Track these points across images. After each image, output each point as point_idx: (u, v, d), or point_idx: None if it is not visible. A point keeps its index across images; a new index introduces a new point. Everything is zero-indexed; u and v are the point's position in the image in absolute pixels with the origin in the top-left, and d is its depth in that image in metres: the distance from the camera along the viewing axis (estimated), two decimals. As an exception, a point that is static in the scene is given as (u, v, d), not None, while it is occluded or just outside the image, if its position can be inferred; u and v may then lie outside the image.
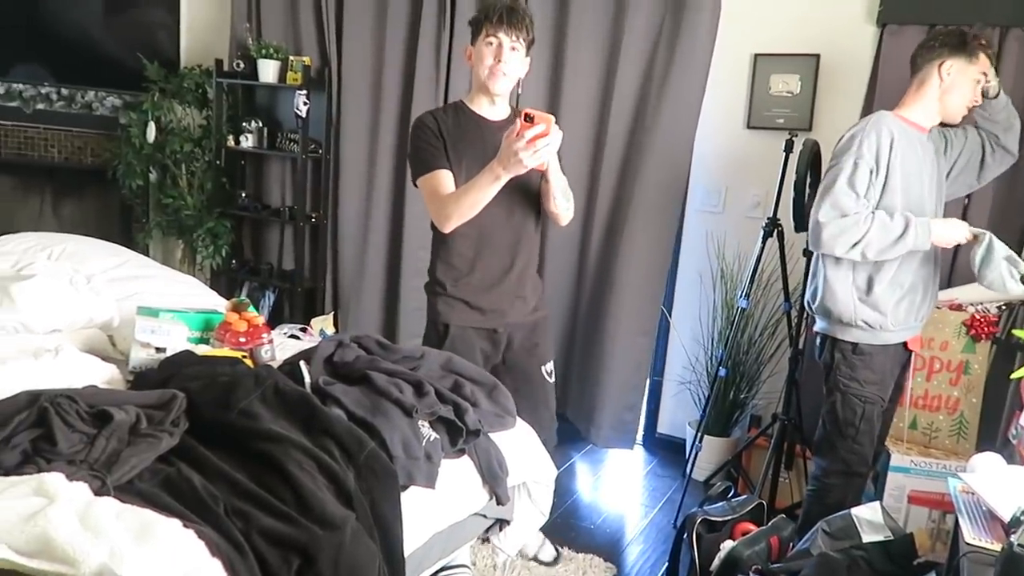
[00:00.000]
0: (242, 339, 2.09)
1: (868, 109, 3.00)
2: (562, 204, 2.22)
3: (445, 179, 2.15)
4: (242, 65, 4.15)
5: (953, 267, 2.93)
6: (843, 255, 2.19)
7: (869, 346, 2.28)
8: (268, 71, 4.07)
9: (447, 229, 2.15)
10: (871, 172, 2.18)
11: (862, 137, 2.20)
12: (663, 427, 3.71)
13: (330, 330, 4.10)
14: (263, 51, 4.06)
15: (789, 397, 2.93)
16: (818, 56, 3.22)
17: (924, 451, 2.74)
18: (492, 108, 2.22)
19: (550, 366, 2.42)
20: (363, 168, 4.03)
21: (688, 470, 3.20)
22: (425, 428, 1.68)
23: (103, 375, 1.84)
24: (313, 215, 4.21)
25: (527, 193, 2.22)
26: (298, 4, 4.09)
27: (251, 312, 2.22)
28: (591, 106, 3.48)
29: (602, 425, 3.56)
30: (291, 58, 4.04)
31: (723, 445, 3.35)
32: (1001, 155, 2.43)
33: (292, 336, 2.27)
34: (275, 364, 1.97)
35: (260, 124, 4.23)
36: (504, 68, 2.11)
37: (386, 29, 3.87)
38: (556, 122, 1.92)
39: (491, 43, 2.10)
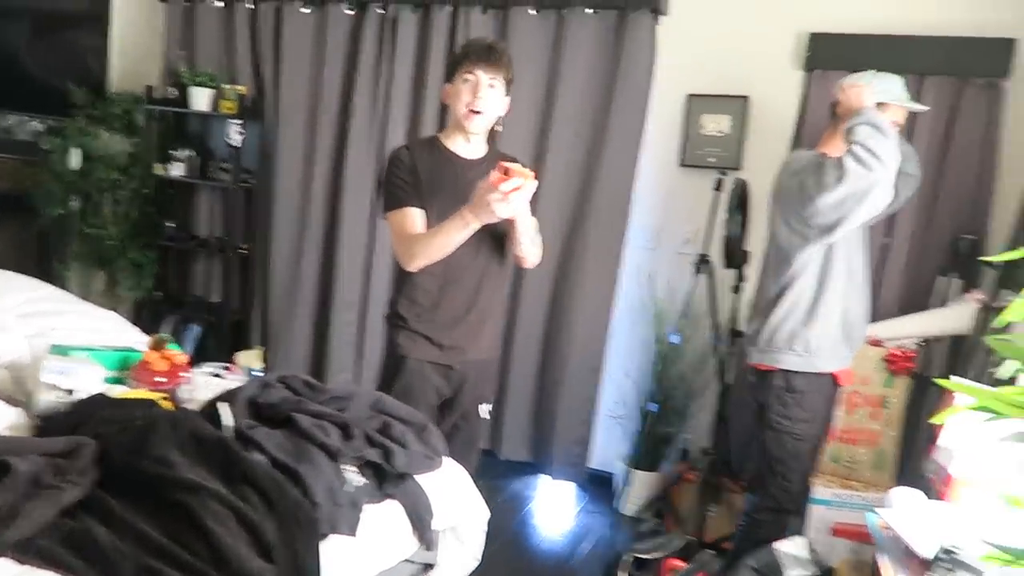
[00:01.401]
0: (161, 379, 2.01)
1: (795, 148, 3.11)
2: (529, 249, 2.23)
3: (415, 217, 2.14)
4: (174, 92, 4.05)
5: (875, 305, 3.03)
6: (873, 195, 2.12)
7: (803, 381, 2.32)
8: (201, 99, 3.99)
9: (412, 268, 2.14)
10: None
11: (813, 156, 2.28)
12: (593, 462, 3.71)
13: (257, 365, 3.99)
14: (196, 78, 3.98)
15: (718, 431, 2.97)
16: (747, 98, 3.32)
17: (845, 483, 2.80)
18: (467, 146, 2.19)
19: (489, 406, 2.42)
20: (297, 200, 3.98)
21: (618, 505, 3.20)
22: (351, 473, 1.64)
23: (5, 420, 1.74)
24: (243, 247, 4.12)
25: (495, 234, 2.22)
26: (234, 33, 4.04)
27: (172, 349, 2.14)
28: (532, 149, 3.52)
29: (554, 458, 3.58)
30: (225, 86, 3.98)
31: (652, 479, 3.37)
32: (905, 178, 2.48)
33: (215, 375, 2.18)
34: (196, 405, 1.90)
35: (191, 153, 4.14)
36: (480, 105, 2.09)
37: (324, 61, 3.85)
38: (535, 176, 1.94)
39: (468, 80, 2.08)
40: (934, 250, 3.06)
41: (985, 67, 2.96)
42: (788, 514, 2.40)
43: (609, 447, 3.67)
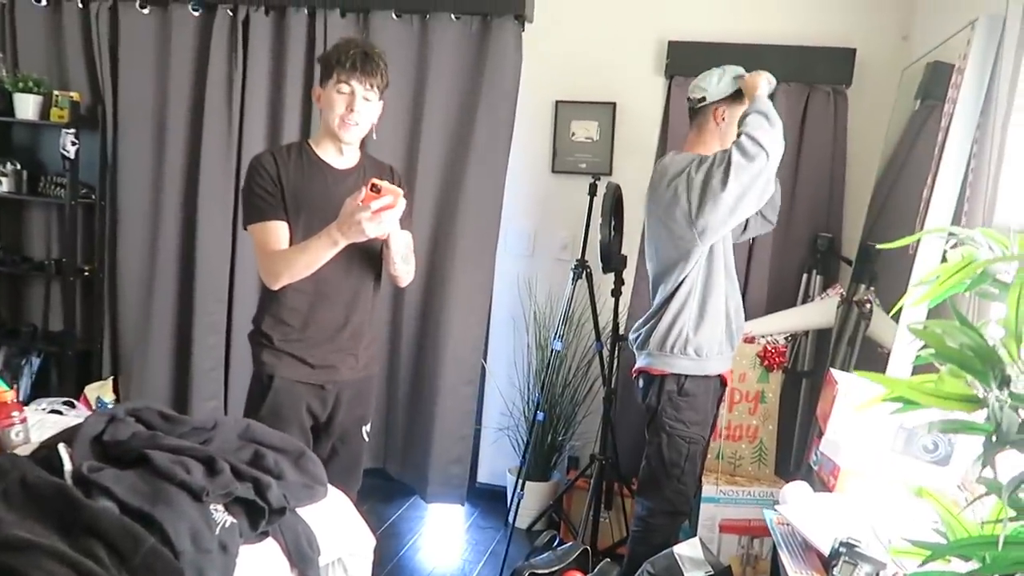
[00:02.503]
0: (-16, 421, 1.73)
1: (662, 153, 3.16)
2: (402, 268, 2.13)
3: (278, 231, 2.00)
4: (-7, 100, 3.63)
5: (744, 303, 3.11)
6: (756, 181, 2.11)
7: (693, 384, 2.31)
8: (27, 107, 3.59)
9: (275, 287, 2.01)
10: None
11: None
12: (483, 476, 3.62)
13: (108, 398, 3.63)
14: (20, 84, 3.57)
15: (605, 436, 2.95)
16: (614, 104, 3.36)
17: (730, 480, 2.86)
18: (339, 156, 2.09)
19: (369, 426, 2.29)
20: (145, 214, 3.64)
21: (511, 518, 3.12)
22: (219, 513, 1.45)
23: None
24: (86, 268, 3.73)
25: (367, 251, 2.11)
26: (63, 33, 3.67)
27: (-2, 387, 1.86)
28: (399, 156, 3.39)
29: (431, 480, 3.41)
30: (56, 93, 3.60)
31: (544, 489, 3.32)
32: (761, 222, 2.54)
33: (54, 411, 1.92)
34: (29, 449, 1.65)
35: (18, 166, 3.72)
36: (356, 118, 2.00)
37: (169, 65, 3.56)
38: (404, 195, 1.86)
39: (343, 91, 1.98)
40: (796, 248, 3.19)
41: (830, 75, 3.14)
42: (682, 516, 2.39)
43: (498, 460, 3.58)
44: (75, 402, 1.84)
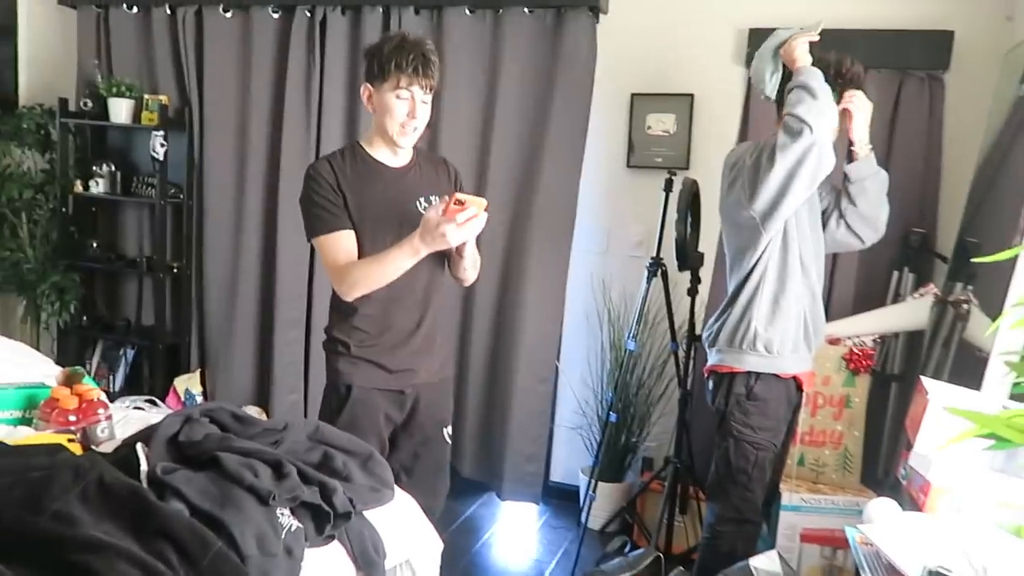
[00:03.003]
0: (72, 417, 1.81)
1: (741, 145, 3.04)
2: (470, 272, 2.13)
3: (347, 241, 1.98)
4: (90, 104, 3.81)
5: (829, 302, 2.97)
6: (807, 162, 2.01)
7: (764, 387, 2.22)
8: (120, 110, 3.76)
9: (350, 298, 1.98)
10: None
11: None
12: (556, 475, 3.59)
13: (196, 389, 3.78)
14: (114, 89, 3.74)
15: (680, 439, 2.88)
16: (692, 96, 3.25)
17: (813, 487, 2.74)
18: (393, 155, 2.06)
19: (450, 428, 2.28)
20: (230, 213, 3.76)
21: (583, 519, 3.09)
22: (285, 517, 1.47)
23: None
24: (175, 265, 3.88)
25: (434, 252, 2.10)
26: (152, 39, 3.82)
27: (86, 384, 1.94)
28: (472, 152, 3.39)
29: (506, 478, 3.40)
30: (146, 96, 3.75)
31: (617, 491, 3.26)
32: (845, 233, 2.35)
33: (137, 408, 1.99)
34: (112, 445, 1.71)
35: (112, 168, 3.90)
36: (417, 123, 1.98)
37: (251, 66, 3.66)
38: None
39: (403, 97, 1.94)
40: (885, 245, 3.00)
41: (925, 60, 2.95)
42: (751, 524, 2.30)
43: (571, 459, 3.55)
44: (157, 401, 1.91)
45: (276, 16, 3.63)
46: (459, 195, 1.81)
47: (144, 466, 1.48)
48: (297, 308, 3.67)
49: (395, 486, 1.85)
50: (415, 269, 2.01)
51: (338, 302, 2.08)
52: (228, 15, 3.68)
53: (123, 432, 1.87)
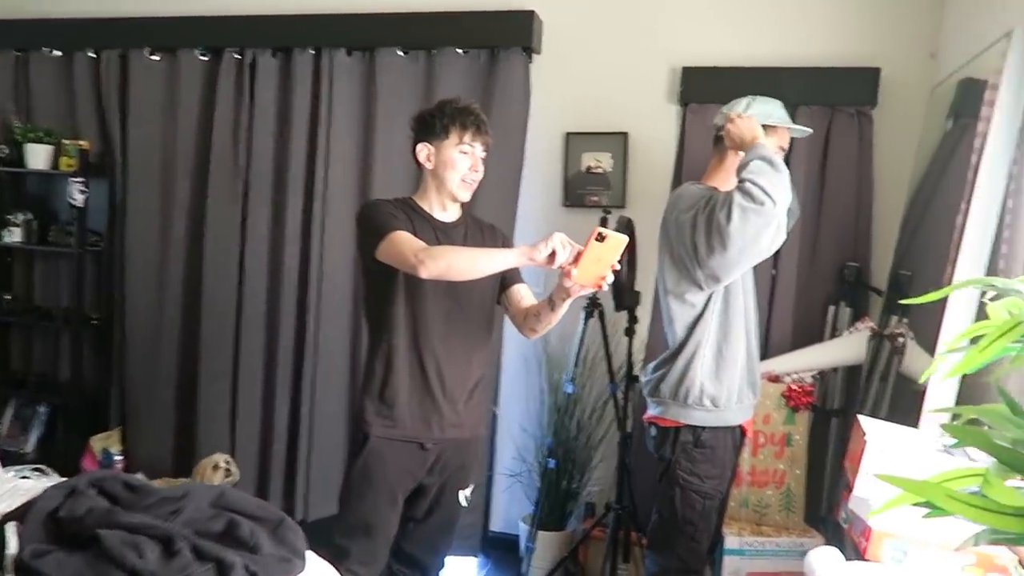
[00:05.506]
0: (-55, 487, 1.64)
1: (677, 183, 3.01)
2: (548, 328, 2.08)
3: (418, 238, 1.95)
4: (6, 150, 3.65)
5: (767, 339, 2.93)
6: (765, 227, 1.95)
7: (711, 435, 2.13)
8: (38, 156, 3.60)
9: (424, 273, 1.84)
10: None
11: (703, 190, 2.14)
12: (495, 524, 3.44)
13: (115, 448, 3.56)
14: (31, 135, 3.59)
15: (621, 483, 2.78)
16: (626, 134, 3.23)
17: (756, 529, 2.66)
18: (443, 211, 2.09)
19: (469, 491, 2.18)
20: (153, 262, 3.60)
21: (524, 570, 2.95)
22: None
23: None
24: (94, 317, 3.69)
25: (482, 306, 2.09)
26: (74, 84, 3.70)
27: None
28: (407, 193, 3.28)
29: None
30: (65, 142, 3.60)
31: (559, 539, 3.13)
32: (789, 213, 2.36)
33: (24, 477, 1.82)
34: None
35: (30, 216, 3.72)
36: (477, 177, 2.06)
37: (177, 110, 3.56)
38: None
39: (465, 151, 2.02)
40: (821, 279, 3.01)
41: (854, 96, 2.98)
42: (695, 574, 2.20)
43: (512, 508, 3.41)
44: (45, 468, 1.75)
45: (204, 59, 3.54)
46: (601, 229, 1.74)
47: (11, 549, 1.32)
48: (224, 359, 3.51)
49: (309, 552, 1.71)
50: (464, 321, 2.02)
51: (377, 336, 2.03)
52: (155, 58, 3.58)
53: (9, 504, 1.70)
